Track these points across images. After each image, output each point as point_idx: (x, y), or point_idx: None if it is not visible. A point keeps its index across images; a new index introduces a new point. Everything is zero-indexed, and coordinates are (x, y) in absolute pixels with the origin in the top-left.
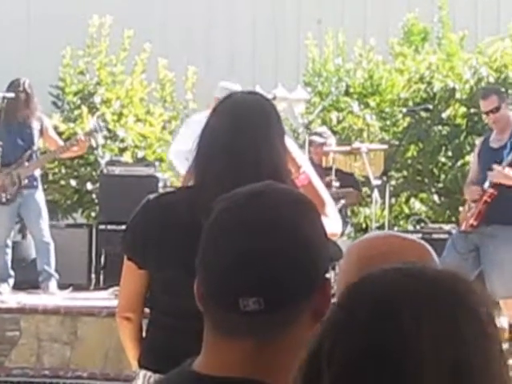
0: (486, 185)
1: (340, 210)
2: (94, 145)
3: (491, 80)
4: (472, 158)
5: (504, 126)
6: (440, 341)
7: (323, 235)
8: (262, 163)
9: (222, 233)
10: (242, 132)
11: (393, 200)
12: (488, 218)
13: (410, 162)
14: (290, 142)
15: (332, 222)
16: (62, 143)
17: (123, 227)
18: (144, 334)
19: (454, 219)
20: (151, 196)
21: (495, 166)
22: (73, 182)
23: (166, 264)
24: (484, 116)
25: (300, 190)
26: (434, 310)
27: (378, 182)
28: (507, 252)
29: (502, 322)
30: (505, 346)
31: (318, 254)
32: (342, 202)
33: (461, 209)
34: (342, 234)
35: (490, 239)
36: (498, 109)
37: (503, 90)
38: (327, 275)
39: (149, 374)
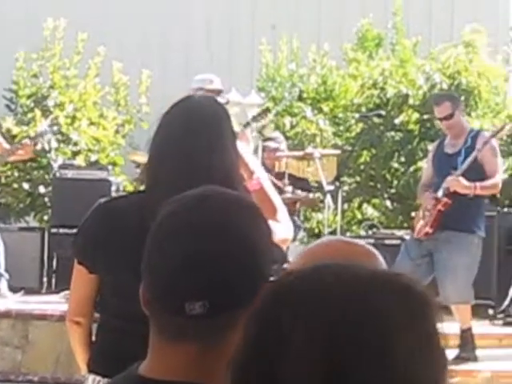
0: (440, 193)
1: (293, 215)
2: (47, 148)
3: (444, 86)
4: (425, 163)
5: (458, 132)
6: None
7: (268, 239)
8: (214, 167)
9: (168, 236)
10: (195, 135)
11: (345, 205)
12: (442, 224)
13: (362, 167)
14: (242, 147)
15: (283, 228)
16: (7, 146)
17: (75, 231)
18: (94, 339)
19: (406, 225)
20: (103, 200)
21: (452, 176)
22: (25, 186)
23: (116, 267)
24: (438, 122)
25: (252, 195)
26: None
27: (331, 188)
28: (460, 258)
29: (453, 327)
30: (455, 352)
31: (263, 258)
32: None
33: (413, 214)
34: (294, 239)
35: (443, 245)
36: (451, 115)
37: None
38: (271, 279)
39: (98, 378)
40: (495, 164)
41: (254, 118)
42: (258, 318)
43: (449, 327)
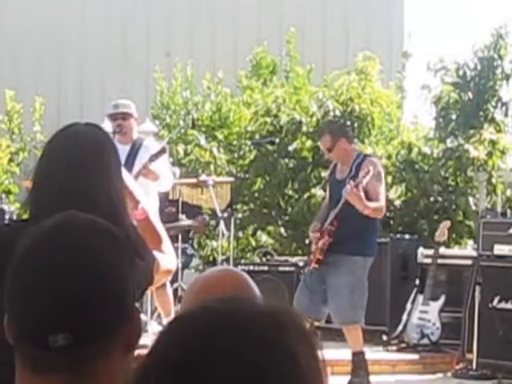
0: (329, 220)
1: (186, 242)
2: None
3: (337, 113)
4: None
5: (343, 160)
6: None
7: (129, 264)
8: (97, 195)
9: (27, 269)
10: (77, 163)
11: (240, 233)
12: (329, 248)
13: (256, 194)
14: (127, 176)
15: (167, 259)
16: None
17: None
18: None
19: (300, 252)
20: None
21: (349, 186)
22: None
23: None
24: None
25: (137, 225)
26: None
27: (225, 215)
28: (342, 278)
29: (345, 354)
30: (347, 378)
31: (125, 283)
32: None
33: (307, 241)
34: (188, 267)
35: (330, 269)
36: (330, 149)
37: (348, 123)
38: (135, 304)
39: None
40: (379, 188)
41: (151, 158)
42: (146, 362)
43: (342, 353)
